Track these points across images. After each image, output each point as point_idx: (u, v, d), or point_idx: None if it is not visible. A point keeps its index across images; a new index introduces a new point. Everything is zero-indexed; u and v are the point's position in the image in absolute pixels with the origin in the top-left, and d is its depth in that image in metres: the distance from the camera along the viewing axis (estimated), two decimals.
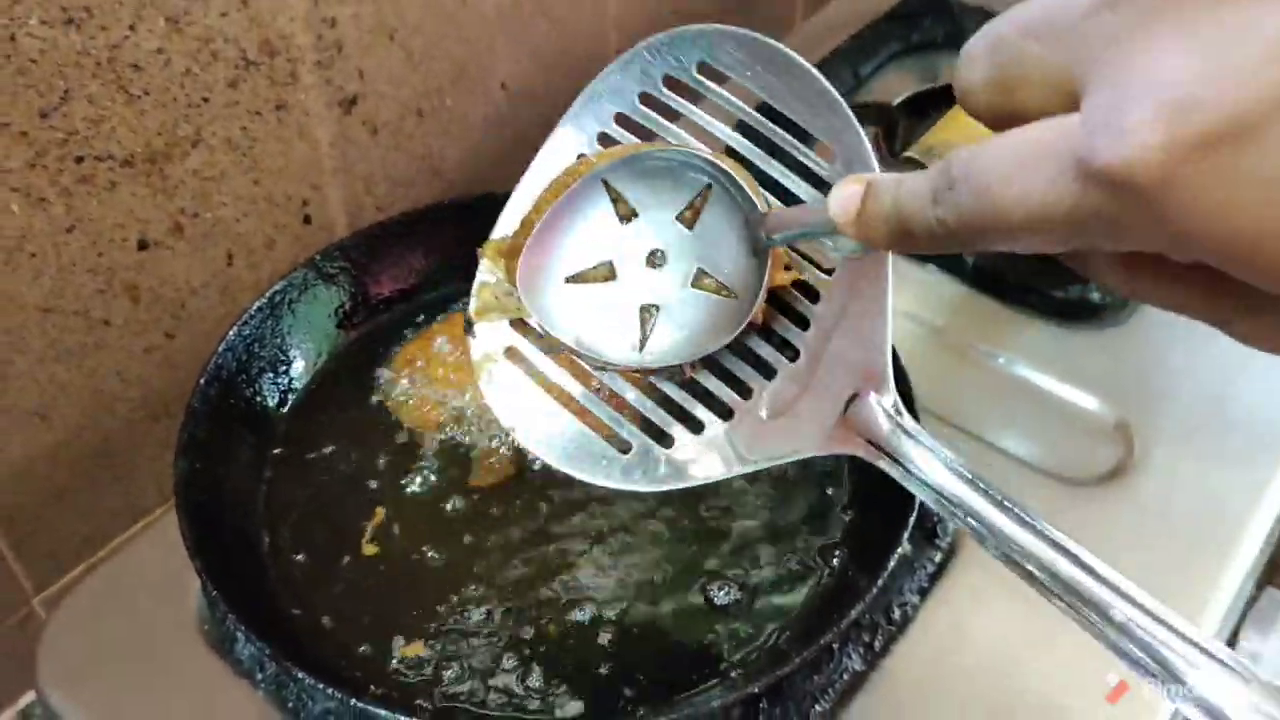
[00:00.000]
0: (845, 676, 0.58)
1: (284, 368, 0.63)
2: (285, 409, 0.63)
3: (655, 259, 0.48)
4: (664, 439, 0.48)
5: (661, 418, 0.48)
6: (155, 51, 0.62)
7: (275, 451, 0.61)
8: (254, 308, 0.62)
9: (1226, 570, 0.64)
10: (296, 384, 0.64)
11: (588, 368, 0.49)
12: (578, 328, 0.47)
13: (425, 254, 0.69)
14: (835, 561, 0.57)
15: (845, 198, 0.37)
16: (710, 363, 0.49)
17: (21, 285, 0.62)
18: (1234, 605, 0.64)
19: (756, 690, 0.49)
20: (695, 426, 0.48)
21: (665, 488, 0.48)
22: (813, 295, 0.48)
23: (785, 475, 0.61)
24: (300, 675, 0.47)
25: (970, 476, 0.42)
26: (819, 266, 0.49)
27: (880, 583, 0.51)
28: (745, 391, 0.48)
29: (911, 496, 0.52)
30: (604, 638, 0.55)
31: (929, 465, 0.43)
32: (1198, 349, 0.75)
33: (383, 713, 0.47)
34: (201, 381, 0.58)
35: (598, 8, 0.92)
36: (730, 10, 1.07)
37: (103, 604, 0.62)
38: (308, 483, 0.60)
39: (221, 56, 0.65)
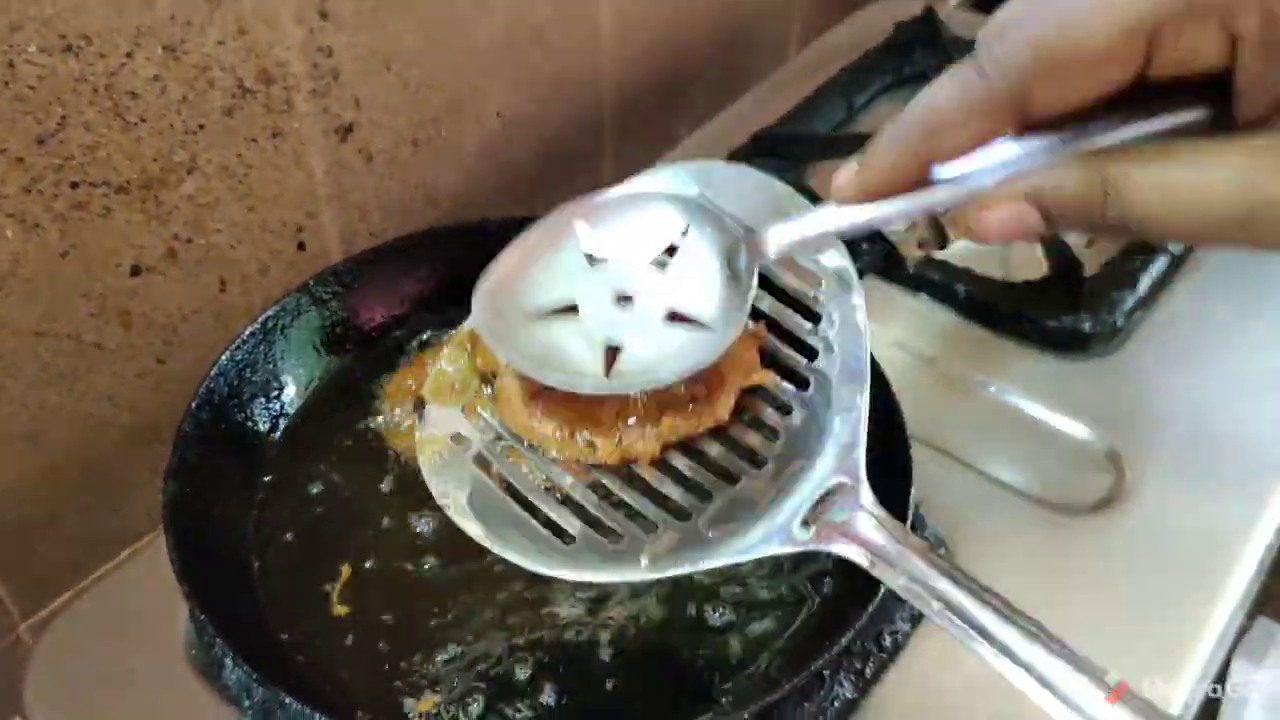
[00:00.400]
0: (837, 704, 0.58)
1: (276, 393, 0.63)
2: (277, 434, 0.63)
3: (623, 301, 0.47)
4: (611, 535, 0.47)
5: (612, 516, 0.47)
6: (152, 79, 0.62)
7: (266, 477, 0.61)
8: (246, 332, 0.62)
9: (1218, 599, 0.64)
10: (288, 409, 0.64)
11: (536, 464, 0.49)
12: (542, 362, 0.46)
13: (418, 280, 0.69)
14: (826, 589, 0.57)
15: (844, 172, 0.41)
16: (668, 467, 0.49)
17: (15, 310, 0.62)
18: (1225, 634, 0.64)
19: (747, 717, 0.48)
20: (647, 527, 0.47)
21: (606, 579, 0.47)
22: (787, 395, 0.50)
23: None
24: (288, 701, 0.46)
25: (954, 574, 0.43)
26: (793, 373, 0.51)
27: (871, 610, 0.50)
28: (704, 494, 0.48)
29: (903, 519, 0.53)
30: (598, 664, 0.54)
31: (906, 562, 0.43)
32: (1189, 377, 0.75)
33: None
34: (193, 405, 0.58)
35: (592, 38, 0.93)
36: (726, 43, 1.08)
37: (91, 629, 0.62)
38: (298, 508, 0.60)
39: (218, 84, 0.66)
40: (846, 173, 0.41)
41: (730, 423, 0.50)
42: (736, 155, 0.91)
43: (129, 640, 0.61)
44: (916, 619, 0.62)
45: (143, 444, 0.72)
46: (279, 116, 0.70)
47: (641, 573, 0.46)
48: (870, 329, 0.61)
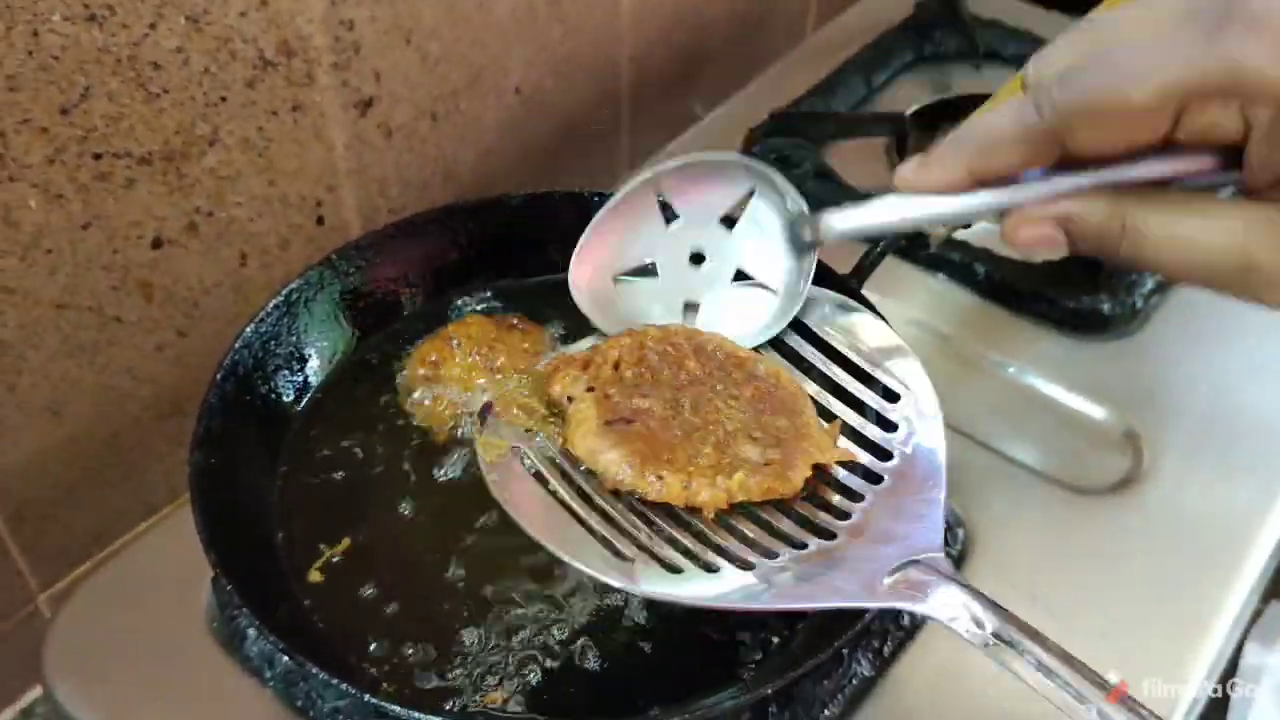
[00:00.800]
0: (854, 682, 0.58)
1: (299, 365, 0.63)
2: (301, 406, 0.63)
3: (697, 259, 0.52)
4: (667, 565, 0.47)
5: (669, 555, 0.47)
6: (175, 50, 0.62)
7: (290, 448, 0.61)
8: (270, 305, 0.62)
9: (1234, 581, 0.64)
10: (312, 381, 0.64)
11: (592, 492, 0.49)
12: (626, 321, 0.50)
13: (440, 254, 0.68)
14: None
15: (908, 164, 0.47)
16: (730, 527, 0.49)
17: (37, 281, 0.62)
18: (1240, 616, 0.64)
19: (769, 693, 0.49)
20: (708, 568, 0.47)
21: (662, 596, 0.47)
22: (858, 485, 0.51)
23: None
24: (314, 671, 0.46)
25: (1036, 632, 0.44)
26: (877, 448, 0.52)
27: None
28: (768, 553, 0.48)
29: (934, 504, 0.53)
30: (617, 637, 0.55)
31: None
32: (1208, 360, 0.75)
33: (396, 709, 0.46)
34: (218, 377, 0.58)
35: (610, 14, 0.92)
36: (743, 21, 1.08)
37: (111, 600, 0.62)
38: (323, 479, 0.60)
39: (240, 56, 0.66)
40: (910, 165, 0.47)
41: (796, 500, 0.50)
42: (755, 133, 0.91)
43: (150, 611, 0.61)
44: None
45: (162, 417, 0.73)
46: (300, 89, 0.70)
47: (705, 600, 0.46)
48: (890, 311, 0.62)
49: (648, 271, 0.52)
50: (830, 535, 0.48)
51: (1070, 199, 0.43)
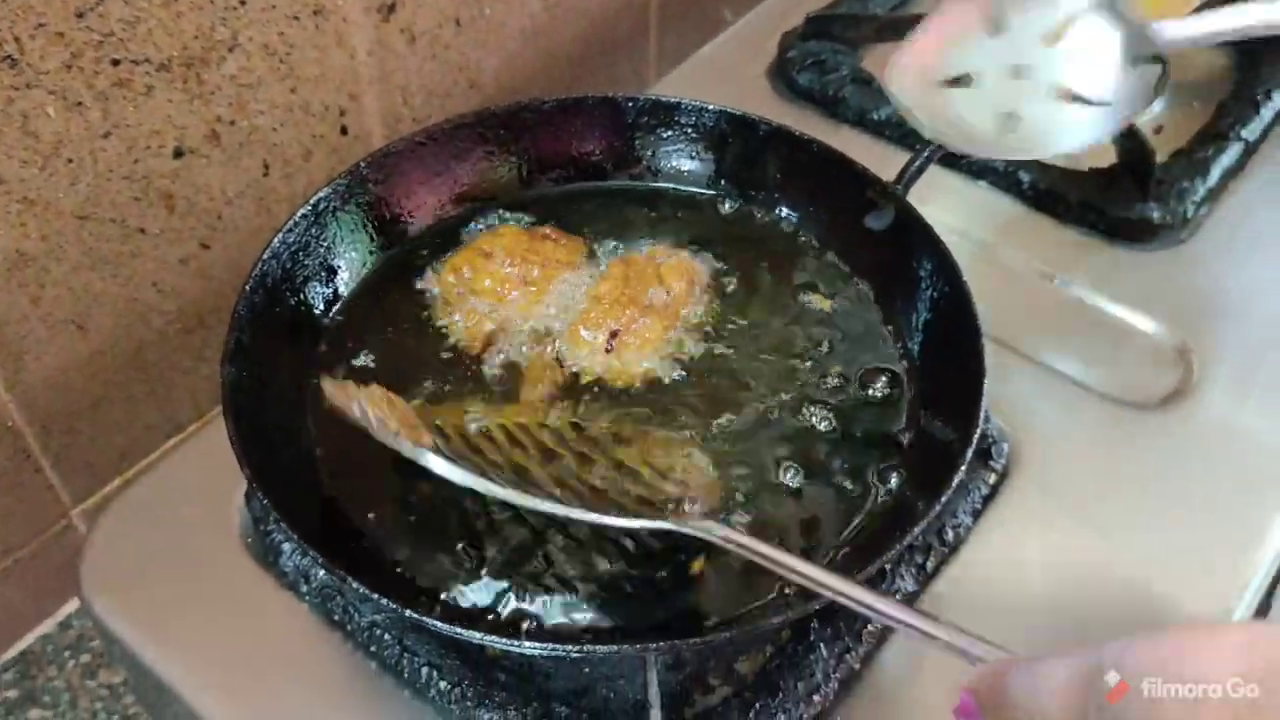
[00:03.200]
0: (897, 597, 0.57)
1: (329, 276, 0.62)
2: (330, 317, 0.62)
3: (1019, 72, 0.49)
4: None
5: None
6: None
7: (322, 358, 0.60)
8: (298, 214, 0.60)
9: None
10: (342, 292, 0.62)
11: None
12: (948, 126, 0.49)
13: (471, 162, 0.67)
14: (892, 482, 0.56)
15: None
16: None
17: (58, 191, 0.60)
18: None
19: (815, 609, 0.48)
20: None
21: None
22: None
23: (846, 398, 0.59)
24: (355, 585, 0.46)
25: None
26: None
27: (940, 505, 0.49)
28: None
29: (973, 422, 0.51)
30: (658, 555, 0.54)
31: None
32: (1260, 271, 0.73)
33: (436, 624, 0.46)
34: (247, 287, 0.56)
35: None
36: None
37: (145, 516, 0.61)
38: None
39: None
40: None
41: None
42: (789, 38, 0.88)
43: (184, 527, 0.61)
44: (978, 513, 0.61)
45: (187, 331, 0.71)
46: None
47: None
48: (932, 219, 0.60)
49: (965, 81, 0.50)
50: None
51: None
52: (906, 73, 0.50)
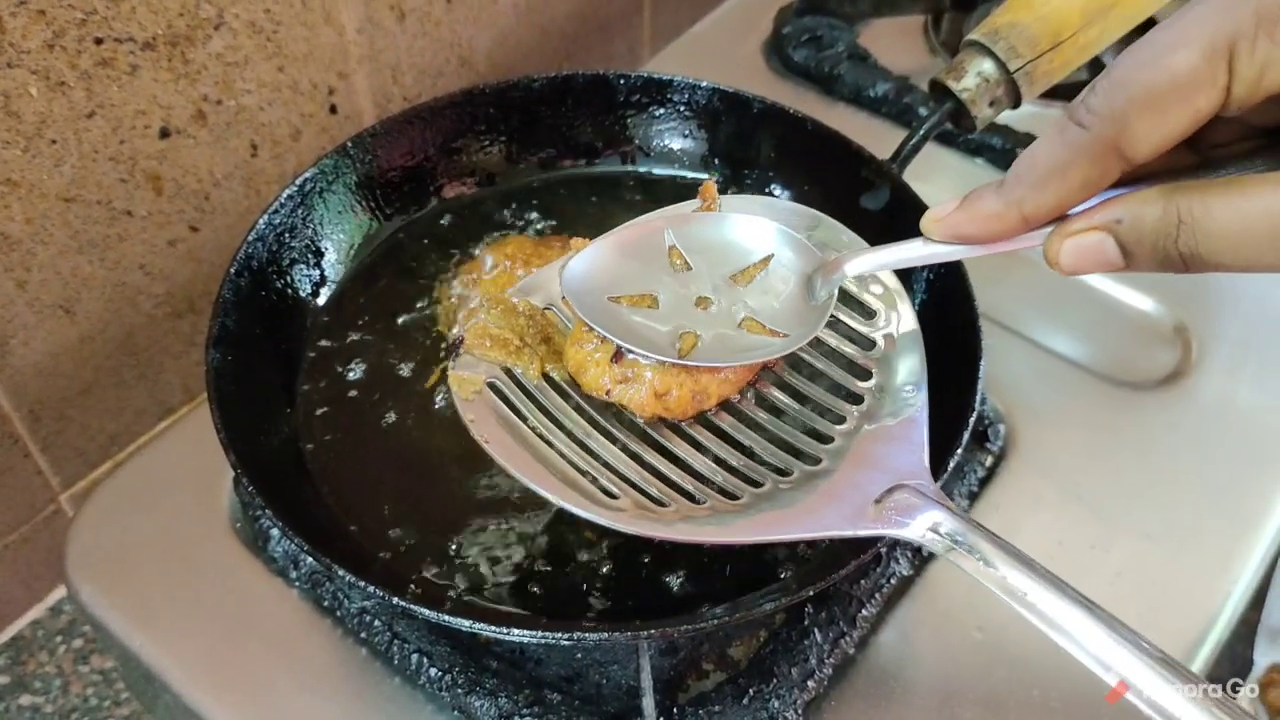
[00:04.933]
0: (893, 581, 0.57)
1: (316, 258, 0.61)
2: (318, 300, 0.61)
3: (703, 304, 0.49)
4: (653, 499, 0.46)
5: (658, 489, 0.46)
6: None
7: (308, 343, 0.59)
8: (284, 196, 0.59)
9: None
10: (329, 274, 0.61)
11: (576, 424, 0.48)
12: (618, 334, 0.47)
13: (461, 141, 0.66)
14: None
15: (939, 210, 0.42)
16: (726, 438, 0.48)
17: (43, 173, 0.59)
18: None
19: (810, 594, 0.47)
20: (691, 498, 0.46)
21: (649, 535, 0.45)
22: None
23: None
24: (341, 573, 0.45)
25: (1025, 559, 0.42)
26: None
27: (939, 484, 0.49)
28: (755, 482, 0.47)
29: (969, 404, 0.51)
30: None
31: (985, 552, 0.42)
32: None
33: (424, 611, 0.45)
34: (232, 271, 0.56)
35: None
36: None
37: (131, 501, 0.61)
38: (342, 376, 0.58)
39: None
40: (941, 211, 0.42)
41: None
42: (786, 13, 0.86)
43: (171, 513, 0.60)
44: (974, 495, 0.60)
45: (176, 315, 0.71)
46: None
47: (686, 535, 0.45)
48: (927, 197, 0.59)
49: (642, 301, 0.48)
50: (815, 460, 0.48)
51: (1117, 202, 0.37)
52: (577, 282, 0.48)
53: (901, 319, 0.52)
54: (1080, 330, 0.68)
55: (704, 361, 0.47)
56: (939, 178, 0.74)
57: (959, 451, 0.49)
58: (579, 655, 0.53)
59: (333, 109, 0.73)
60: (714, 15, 0.92)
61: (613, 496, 0.46)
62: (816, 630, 0.54)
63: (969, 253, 0.42)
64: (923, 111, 0.63)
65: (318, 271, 0.61)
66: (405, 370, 0.58)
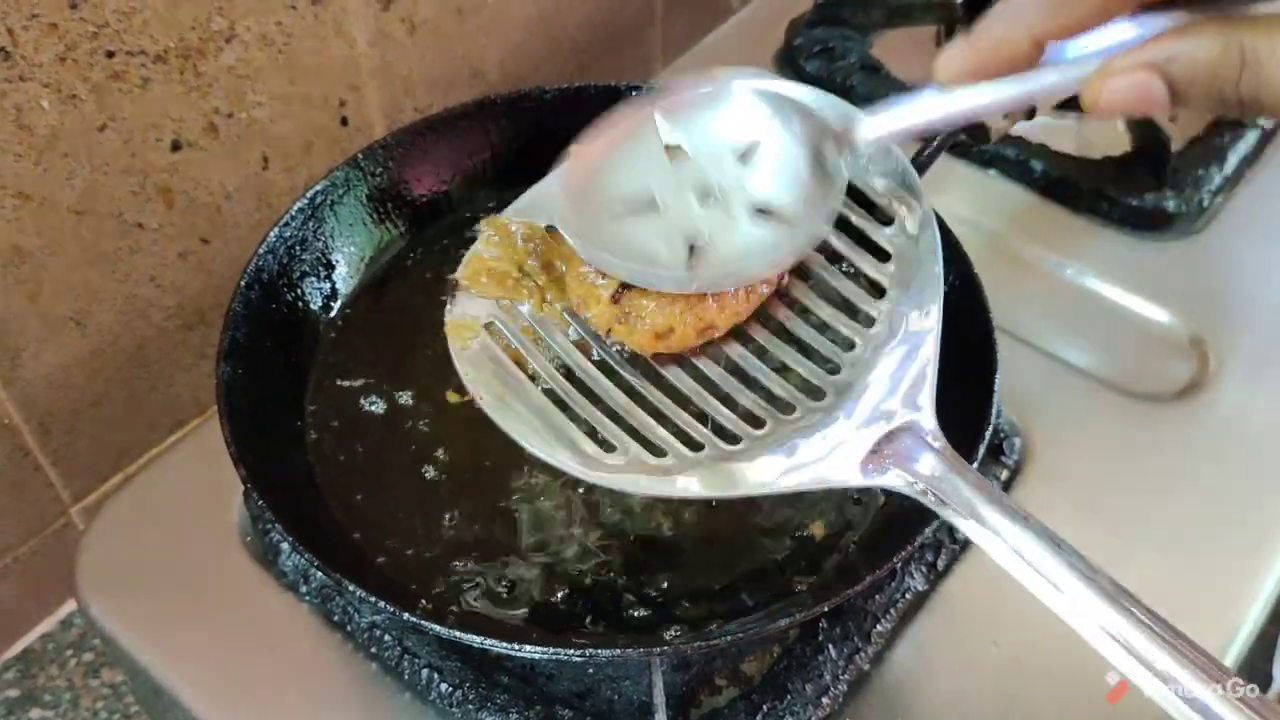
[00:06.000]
0: (908, 596, 0.56)
1: (327, 271, 0.61)
2: (329, 313, 0.61)
3: (707, 197, 0.46)
4: (653, 448, 0.45)
5: (657, 434, 0.45)
6: None
7: (319, 356, 0.59)
8: (295, 208, 0.59)
9: None
10: (340, 287, 0.61)
11: (578, 366, 0.47)
12: (625, 259, 0.45)
13: (470, 153, 0.65)
14: None
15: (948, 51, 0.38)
16: (733, 368, 0.47)
17: (54, 186, 0.59)
18: None
19: (825, 609, 0.47)
20: (692, 445, 0.45)
21: (645, 492, 0.45)
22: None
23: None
24: (351, 588, 0.45)
25: (1020, 513, 0.40)
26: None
27: None
28: (757, 421, 0.46)
29: (984, 418, 0.50)
30: (670, 544, 0.53)
31: (977, 504, 0.41)
32: (1276, 260, 0.71)
33: (435, 627, 0.45)
34: (242, 284, 0.55)
35: None
36: None
37: (142, 515, 0.61)
38: (354, 389, 0.58)
39: None
40: (951, 52, 0.39)
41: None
42: (796, 24, 0.86)
43: (182, 526, 0.60)
44: None
45: (187, 327, 0.71)
46: None
47: (681, 490, 0.44)
48: (940, 208, 0.58)
49: (644, 209, 0.46)
50: (819, 394, 0.46)
51: (1167, 39, 0.34)
52: (570, 198, 0.46)
53: (919, 217, 0.49)
54: (1096, 342, 0.68)
55: (719, 278, 0.45)
56: (954, 189, 0.74)
57: (974, 466, 0.49)
58: (591, 671, 0.53)
59: (344, 121, 0.73)
60: (726, 26, 0.91)
61: (610, 449, 0.44)
62: (831, 646, 0.54)
63: (991, 97, 0.39)
64: None
65: (329, 284, 0.61)
66: (416, 384, 0.58)
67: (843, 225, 0.48)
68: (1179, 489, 0.61)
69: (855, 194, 0.48)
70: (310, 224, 0.60)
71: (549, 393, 0.46)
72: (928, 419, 0.43)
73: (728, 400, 0.46)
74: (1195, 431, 0.63)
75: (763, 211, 0.45)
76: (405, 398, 0.57)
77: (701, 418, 0.46)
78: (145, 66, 0.60)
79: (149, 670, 0.55)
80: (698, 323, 0.46)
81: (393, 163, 0.63)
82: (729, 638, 0.46)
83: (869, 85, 0.80)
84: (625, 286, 0.46)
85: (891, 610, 0.56)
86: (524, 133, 0.66)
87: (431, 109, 0.79)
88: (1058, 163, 0.74)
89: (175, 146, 0.64)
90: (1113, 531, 0.59)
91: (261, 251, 0.57)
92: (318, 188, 0.60)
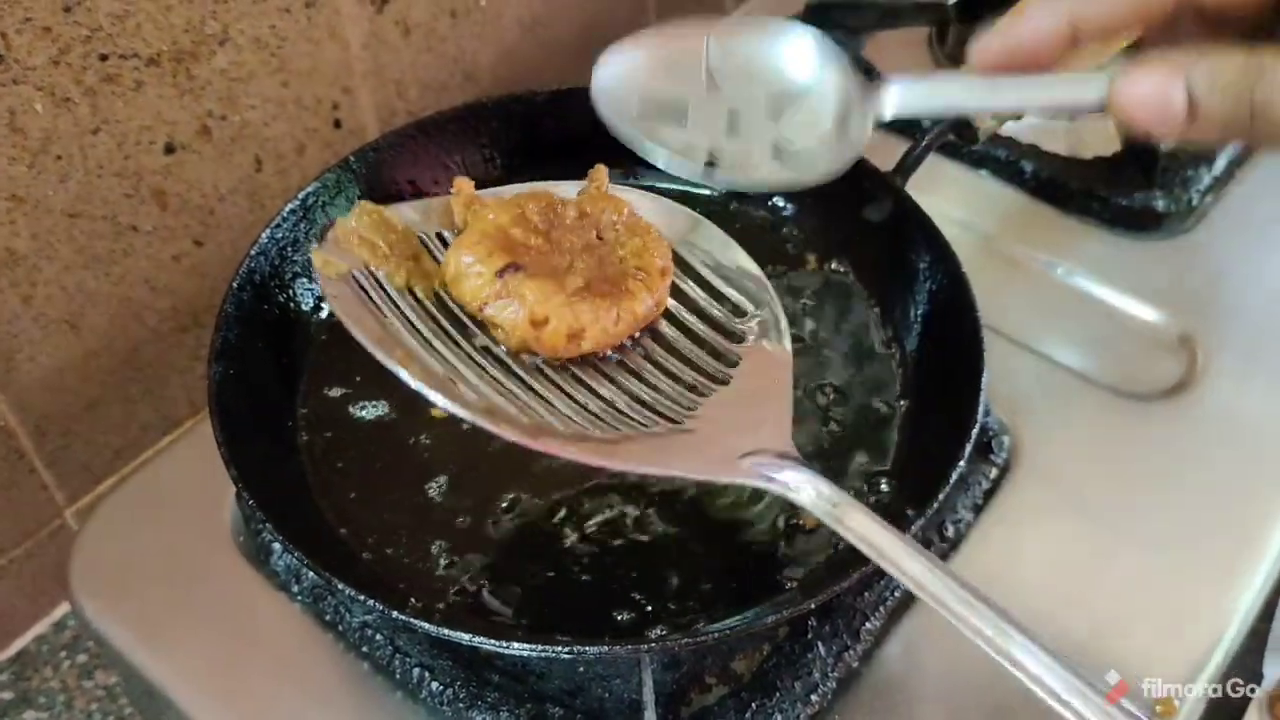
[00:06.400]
0: (897, 593, 0.57)
1: (317, 272, 0.61)
2: (319, 314, 0.61)
3: (734, 126, 0.47)
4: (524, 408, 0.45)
5: (518, 405, 0.45)
6: None
7: (310, 357, 0.59)
8: (286, 210, 0.59)
9: None
10: None
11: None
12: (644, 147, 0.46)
13: (461, 155, 0.66)
14: (885, 485, 0.55)
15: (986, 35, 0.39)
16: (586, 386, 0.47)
17: (48, 189, 0.60)
18: None
19: (813, 606, 0.47)
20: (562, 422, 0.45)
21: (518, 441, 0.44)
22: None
23: (841, 395, 0.58)
24: (340, 587, 0.45)
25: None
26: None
27: (939, 501, 0.48)
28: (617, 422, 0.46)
29: (971, 416, 0.50)
30: (658, 543, 0.53)
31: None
32: (1265, 260, 0.72)
33: (425, 625, 0.45)
34: (234, 285, 0.56)
35: None
36: None
37: (135, 516, 0.61)
38: (345, 390, 0.58)
39: None
40: (987, 37, 0.39)
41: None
42: None
43: (175, 526, 0.60)
44: (979, 508, 0.60)
45: (182, 329, 0.71)
46: None
47: (542, 445, 0.44)
48: (931, 209, 0.59)
49: (673, 119, 0.47)
50: (677, 422, 0.47)
51: (1195, 50, 0.35)
52: (612, 94, 0.48)
53: (775, 320, 0.52)
54: (1085, 341, 0.68)
55: (729, 183, 0.47)
56: (944, 189, 0.74)
57: (961, 464, 0.49)
58: (581, 669, 0.53)
59: (337, 124, 0.73)
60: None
61: (467, 400, 0.44)
62: (820, 643, 0.54)
63: (1017, 95, 0.40)
64: (927, 124, 0.63)
65: (319, 285, 0.61)
66: (406, 385, 0.58)
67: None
68: (1168, 486, 0.61)
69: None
70: (302, 225, 0.60)
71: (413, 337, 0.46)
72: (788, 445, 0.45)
73: (584, 408, 0.46)
74: (1184, 429, 0.64)
75: (779, 150, 0.47)
76: (396, 399, 0.58)
77: (560, 411, 0.46)
78: (138, 70, 0.61)
79: (142, 670, 0.55)
80: (572, 321, 0.47)
81: (384, 165, 0.63)
82: (715, 635, 0.46)
83: None
84: (512, 268, 0.47)
85: (880, 608, 0.56)
86: (515, 135, 0.67)
87: (424, 112, 0.78)
88: (1048, 163, 0.75)
89: (169, 149, 0.64)
90: (1101, 529, 0.59)
91: (253, 253, 0.57)
92: (309, 189, 0.60)
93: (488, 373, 0.46)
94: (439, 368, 0.45)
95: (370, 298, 0.47)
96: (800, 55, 0.47)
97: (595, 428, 0.45)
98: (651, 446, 0.45)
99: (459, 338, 0.48)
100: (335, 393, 0.58)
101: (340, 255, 0.49)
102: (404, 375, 0.44)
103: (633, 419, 0.46)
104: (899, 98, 0.44)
